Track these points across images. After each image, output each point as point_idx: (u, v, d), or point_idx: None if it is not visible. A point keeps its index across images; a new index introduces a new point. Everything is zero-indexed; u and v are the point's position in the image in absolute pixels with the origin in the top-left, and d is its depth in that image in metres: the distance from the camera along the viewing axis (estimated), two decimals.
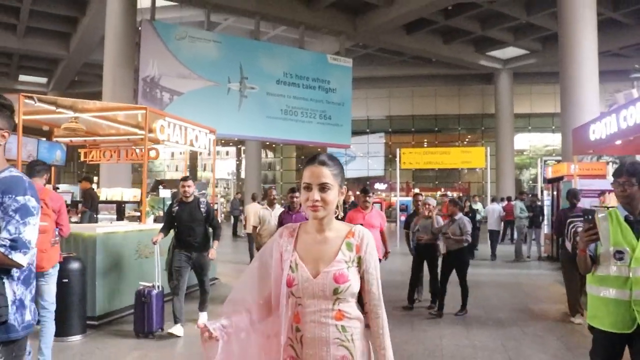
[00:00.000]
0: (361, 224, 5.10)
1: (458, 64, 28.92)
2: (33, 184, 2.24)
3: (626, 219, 2.85)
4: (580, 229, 6.74)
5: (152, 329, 5.53)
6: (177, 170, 46.73)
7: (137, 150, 9.66)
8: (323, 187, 1.85)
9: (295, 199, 6.45)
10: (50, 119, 7.71)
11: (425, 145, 36.75)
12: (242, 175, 33.82)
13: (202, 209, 5.80)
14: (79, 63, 29.23)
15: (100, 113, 7.53)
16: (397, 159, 15.99)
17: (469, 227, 6.73)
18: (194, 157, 9.74)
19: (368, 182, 34.45)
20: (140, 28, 18.05)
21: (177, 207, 5.82)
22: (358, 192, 7.18)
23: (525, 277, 9.99)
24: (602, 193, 8.86)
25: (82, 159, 10.63)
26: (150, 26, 17.95)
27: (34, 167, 4.57)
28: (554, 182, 12.74)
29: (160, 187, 10.00)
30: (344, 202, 1.44)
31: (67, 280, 5.20)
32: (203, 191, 9.75)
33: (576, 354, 5.07)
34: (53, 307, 4.57)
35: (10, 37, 25.63)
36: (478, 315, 6.70)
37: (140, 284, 5.68)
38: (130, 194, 9.88)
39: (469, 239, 6.77)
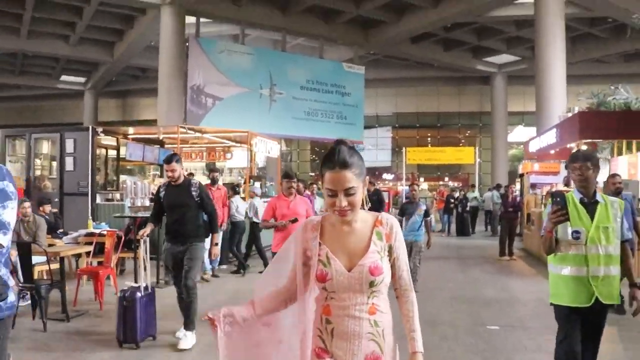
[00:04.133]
0: (285, 213, 5.43)
1: (458, 68, 32.13)
2: (10, 172, 2.20)
3: (581, 201, 3.04)
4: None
5: (136, 338, 4.76)
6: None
7: (216, 154, 13.63)
8: (349, 193, 1.75)
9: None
10: (183, 137, 11.67)
11: (428, 139, 40.25)
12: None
13: (193, 193, 5.00)
14: (120, 67, 32.40)
15: (216, 133, 11.44)
16: (404, 156, 19.68)
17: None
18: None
19: (377, 172, 37.72)
20: (187, 44, 21.55)
21: (163, 191, 5.09)
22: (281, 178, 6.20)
23: (494, 244, 13.68)
24: (532, 186, 12.61)
25: None
26: (195, 42, 21.29)
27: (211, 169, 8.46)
28: (522, 176, 16.49)
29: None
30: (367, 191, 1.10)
31: None
32: (272, 183, 13.36)
33: (501, 271, 9.46)
34: None
35: (63, 45, 28.87)
36: (456, 261, 10.76)
37: (126, 284, 5.06)
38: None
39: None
